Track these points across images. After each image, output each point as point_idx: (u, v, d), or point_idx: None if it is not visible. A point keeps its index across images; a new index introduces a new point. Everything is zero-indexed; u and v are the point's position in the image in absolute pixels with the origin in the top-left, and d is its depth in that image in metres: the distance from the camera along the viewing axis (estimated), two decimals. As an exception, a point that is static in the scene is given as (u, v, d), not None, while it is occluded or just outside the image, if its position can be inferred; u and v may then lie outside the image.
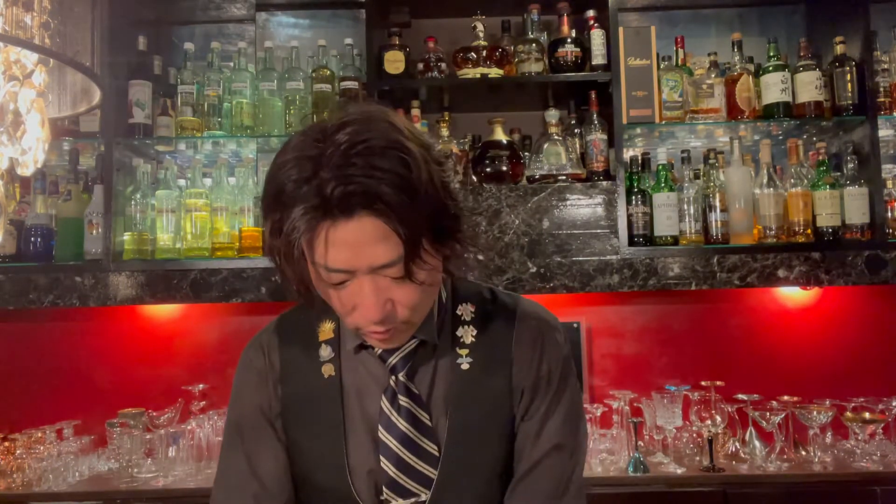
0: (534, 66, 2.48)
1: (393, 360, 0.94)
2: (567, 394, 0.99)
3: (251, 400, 1.00)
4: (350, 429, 0.95)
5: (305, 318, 1.02)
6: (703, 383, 2.41)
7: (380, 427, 0.94)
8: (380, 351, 0.95)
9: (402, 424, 0.93)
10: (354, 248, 0.79)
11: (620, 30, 2.43)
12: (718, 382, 2.35)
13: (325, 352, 0.99)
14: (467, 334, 0.98)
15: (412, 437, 0.93)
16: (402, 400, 0.94)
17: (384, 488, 0.94)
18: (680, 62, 2.50)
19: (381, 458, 0.93)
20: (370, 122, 0.81)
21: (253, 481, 0.97)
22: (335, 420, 0.96)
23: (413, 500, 0.93)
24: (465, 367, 0.96)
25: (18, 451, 2.22)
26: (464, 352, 0.97)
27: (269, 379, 1.00)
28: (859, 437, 2.23)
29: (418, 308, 0.87)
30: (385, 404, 0.94)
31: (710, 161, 2.47)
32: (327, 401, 0.96)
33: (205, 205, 2.38)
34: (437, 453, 0.94)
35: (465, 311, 0.99)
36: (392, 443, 0.93)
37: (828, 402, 2.33)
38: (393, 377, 0.95)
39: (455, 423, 0.94)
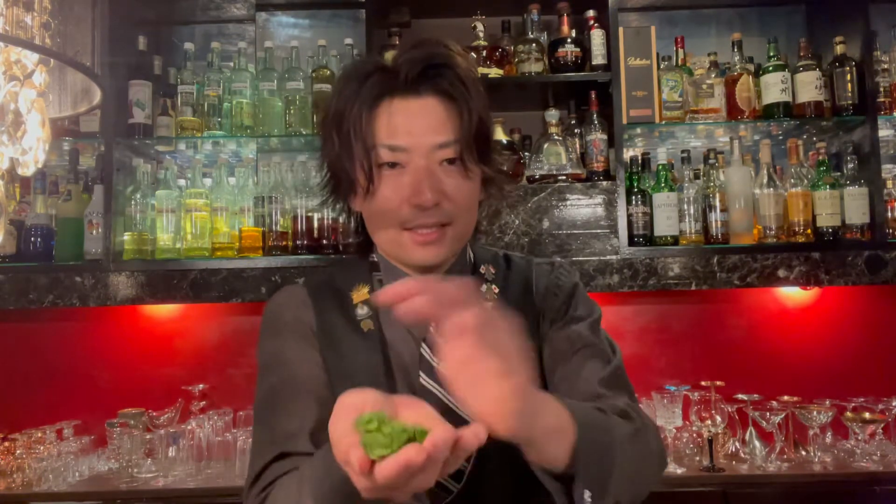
0: (534, 66, 2.48)
1: None
2: (588, 311, 1.03)
3: (300, 352, 0.97)
4: (390, 380, 0.96)
5: (332, 283, 1.05)
6: (703, 383, 2.41)
7: (421, 373, 0.96)
8: None
9: None
10: (416, 122, 0.89)
11: (620, 30, 2.43)
12: (718, 382, 2.35)
13: (363, 311, 1.01)
14: (490, 291, 1.04)
15: None
16: None
17: None
18: (680, 62, 2.50)
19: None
20: (424, 39, 0.95)
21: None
22: (377, 370, 0.95)
23: None
24: None
25: (18, 451, 2.22)
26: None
27: (310, 331, 0.99)
28: (859, 437, 2.23)
29: (463, 208, 0.93)
30: (425, 350, 0.96)
31: (710, 161, 2.47)
32: (368, 353, 0.97)
33: (205, 205, 2.38)
34: None
35: (487, 271, 1.06)
36: (435, 388, 0.94)
37: (828, 402, 2.33)
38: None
39: None
